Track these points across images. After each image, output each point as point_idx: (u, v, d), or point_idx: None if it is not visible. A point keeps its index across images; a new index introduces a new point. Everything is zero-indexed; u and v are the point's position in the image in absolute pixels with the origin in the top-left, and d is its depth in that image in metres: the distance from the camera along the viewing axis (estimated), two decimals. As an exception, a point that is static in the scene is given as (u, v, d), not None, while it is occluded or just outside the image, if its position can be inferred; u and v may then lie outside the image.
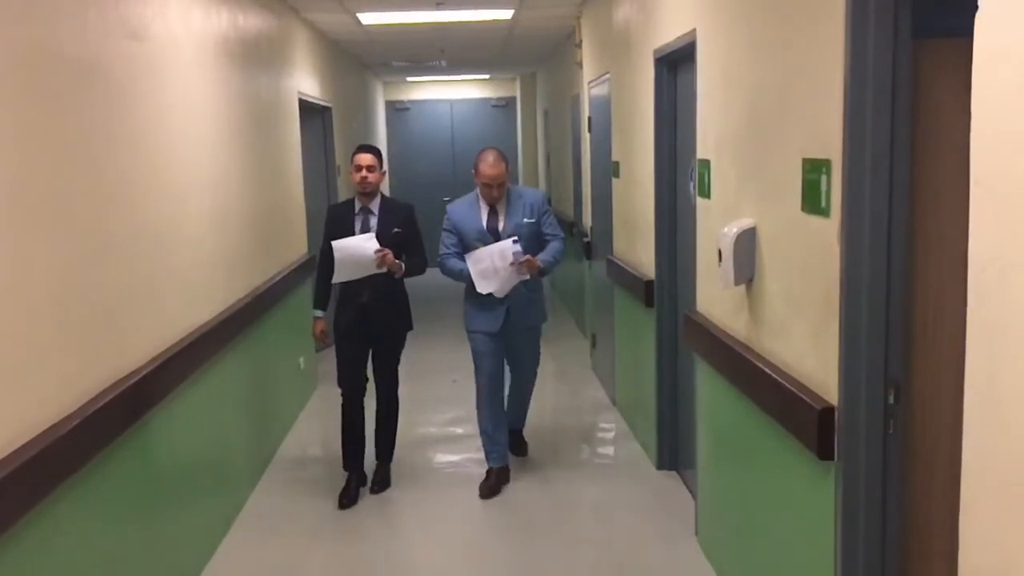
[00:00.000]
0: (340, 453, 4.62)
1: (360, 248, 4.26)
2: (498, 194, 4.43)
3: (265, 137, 5.46)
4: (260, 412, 4.98)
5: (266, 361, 5.12)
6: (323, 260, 4.51)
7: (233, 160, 4.69)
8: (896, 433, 2.35)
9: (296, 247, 6.24)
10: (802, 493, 2.71)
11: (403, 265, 4.40)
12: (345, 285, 4.41)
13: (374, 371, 4.61)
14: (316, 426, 5.84)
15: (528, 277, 4.40)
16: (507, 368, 4.77)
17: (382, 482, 4.64)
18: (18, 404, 2.37)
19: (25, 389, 2.41)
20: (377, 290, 4.38)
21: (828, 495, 2.47)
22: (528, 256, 4.33)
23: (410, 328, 4.66)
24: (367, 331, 4.48)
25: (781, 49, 2.78)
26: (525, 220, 4.47)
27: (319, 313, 4.63)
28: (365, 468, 4.63)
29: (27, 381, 2.42)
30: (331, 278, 4.42)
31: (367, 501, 4.51)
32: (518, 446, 5.01)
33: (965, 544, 1.50)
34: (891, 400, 2.35)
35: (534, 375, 4.91)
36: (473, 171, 4.46)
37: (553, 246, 4.53)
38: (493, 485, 4.58)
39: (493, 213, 4.48)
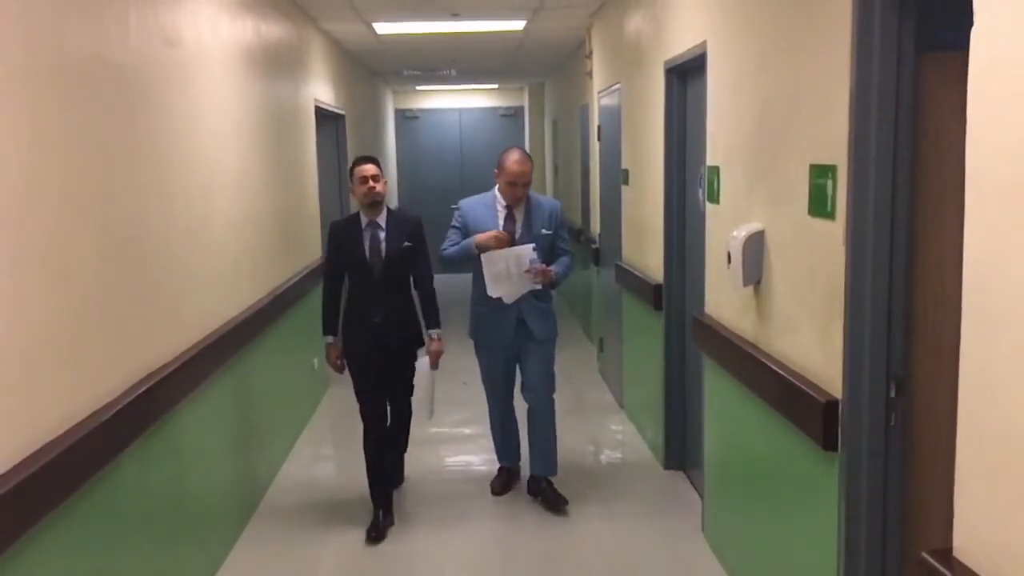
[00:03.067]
0: (351, 456, 4.64)
1: (427, 376, 4.29)
2: (521, 194, 4.30)
3: (284, 142, 5.61)
4: (277, 411, 5.10)
5: (283, 361, 5.25)
6: (329, 282, 4.37)
7: (255, 163, 4.83)
8: (897, 425, 2.48)
9: (311, 251, 6.37)
10: (806, 483, 2.83)
11: (440, 336, 4.41)
12: (354, 305, 4.30)
13: (388, 389, 4.43)
14: (328, 427, 5.96)
15: (540, 286, 4.30)
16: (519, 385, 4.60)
17: (396, 474, 4.67)
18: (64, 390, 2.50)
19: (71, 376, 2.53)
20: (390, 310, 4.24)
21: (832, 484, 2.59)
22: (544, 265, 4.25)
23: (420, 344, 4.46)
24: (383, 353, 4.27)
25: (789, 60, 2.92)
26: (544, 231, 4.35)
27: (331, 339, 4.36)
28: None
29: (73, 368, 2.55)
30: (339, 300, 4.34)
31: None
32: (550, 499, 4.42)
33: (960, 510, 1.62)
34: (893, 393, 2.47)
35: (550, 400, 4.51)
36: (496, 170, 4.33)
37: (565, 260, 4.43)
38: (504, 482, 4.69)
39: (510, 217, 4.35)
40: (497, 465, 4.79)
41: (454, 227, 4.41)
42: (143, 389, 2.93)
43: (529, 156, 4.37)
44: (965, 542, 1.60)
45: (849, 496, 2.53)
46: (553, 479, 4.53)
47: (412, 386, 4.53)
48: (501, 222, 4.35)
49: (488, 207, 4.38)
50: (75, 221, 2.58)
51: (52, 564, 2.38)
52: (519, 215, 4.36)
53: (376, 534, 4.14)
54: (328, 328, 4.38)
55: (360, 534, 4.16)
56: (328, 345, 4.40)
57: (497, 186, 4.37)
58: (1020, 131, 1.46)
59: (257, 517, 4.41)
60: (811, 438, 2.67)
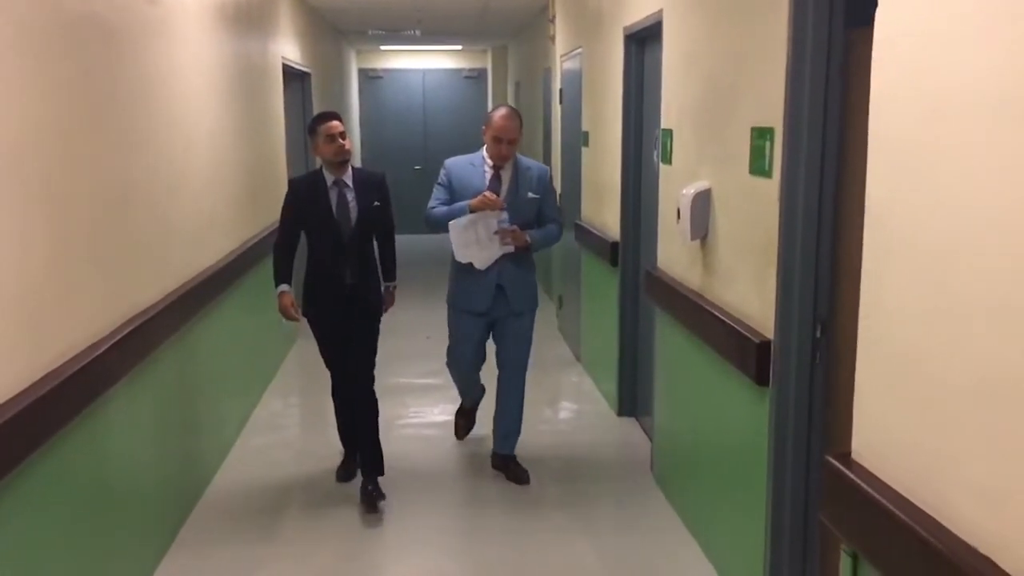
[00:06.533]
0: (319, 404, 4.81)
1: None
2: (507, 152, 4.11)
3: (254, 99, 5.74)
4: (246, 364, 5.30)
5: (252, 314, 5.43)
6: (283, 241, 4.17)
7: (228, 119, 4.97)
8: (822, 362, 2.77)
9: (279, 206, 6.49)
10: (741, 416, 3.12)
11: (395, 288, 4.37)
12: (320, 267, 4.12)
13: (355, 357, 4.17)
14: (295, 381, 6.18)
15: (512, 249, 4.14)
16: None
17: (377, 492, 4.05)
18: (62, 325, 2.69)
19: (68, 312, 2.72)
20: (359, 271, 4.12)
21: (763, 416, 2.89)
22: (514, 227, 4.11)
23: (381, 310, 4.30)
24: (351, 315, 4.12)
25: (735, 31, 3.16)
26: (530, 195, 4.19)
27: (285, 287, 4.11)
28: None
29: (70, 304, 2.73)
30: (293, 254, 4.17)
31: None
32: (514, 473, 4.37)
33: (858, 419, 1.91)
34: (818, 334, 2.76)
35: (522, 380, 4.38)
36: (483, 127, 4.18)
37: (550, 229, 4.29)
38: (467, 425, 4.92)
39: (496, 178, 4.17)
40: (457, 407, 4.93)
41: (440, 184, 4.24)
42: (129, 330, 3.13)
43: (518, 114, 4.22)
44: (860, 446, 1.89)
45: (778, 426, 2.82)
46: (517, 441, 4.47)
47: (374, 363, 4.21)
48: (487, 182, 4.16)
49: (475, 166, 4.21)
50: (71, 168, 2.75)
51: (49, 492, 2.57)
52: (505, 176, 4.18)
53: (345, 474, 4.35)
54: (283, 277, 4.13)
55: (330, 475, 4.40)
56: (282, 293, 4.11)
57: (485, 146, 4.20)
58: (911, 95, 1.73)
59: (232, 456, 4.62)
60: (746, 376, 2.96)
